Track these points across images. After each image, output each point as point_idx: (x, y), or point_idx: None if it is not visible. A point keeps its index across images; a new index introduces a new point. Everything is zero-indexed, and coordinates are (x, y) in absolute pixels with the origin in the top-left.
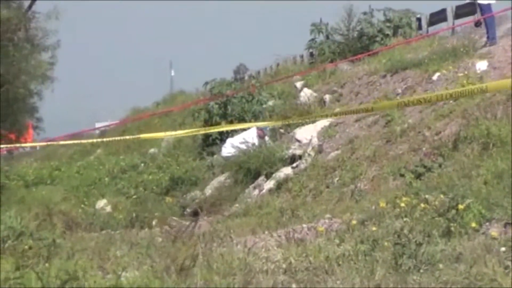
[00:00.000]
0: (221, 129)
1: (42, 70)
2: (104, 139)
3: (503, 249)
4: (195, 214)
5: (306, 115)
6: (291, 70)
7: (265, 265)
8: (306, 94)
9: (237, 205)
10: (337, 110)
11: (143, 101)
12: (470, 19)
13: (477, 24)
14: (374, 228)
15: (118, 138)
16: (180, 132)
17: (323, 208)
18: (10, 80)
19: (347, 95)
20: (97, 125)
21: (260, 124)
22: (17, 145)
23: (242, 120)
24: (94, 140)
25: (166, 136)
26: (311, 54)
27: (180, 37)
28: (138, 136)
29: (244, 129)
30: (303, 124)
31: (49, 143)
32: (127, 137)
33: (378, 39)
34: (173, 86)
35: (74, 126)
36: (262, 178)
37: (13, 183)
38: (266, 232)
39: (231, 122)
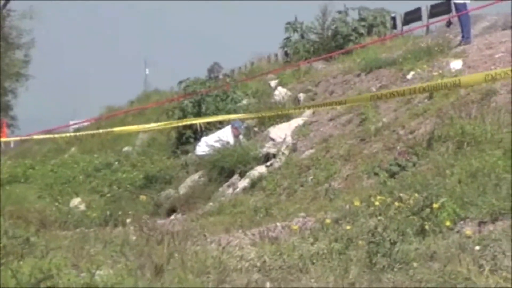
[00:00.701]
0: (194, 122)
1: (16, 68)
2: (78, 134)
3: (477, 247)
4: (170, 212)
5: (281, 113)
6: (266, 69)
7: (239, 264)
8: (280, 93)
9: (211, 203)
10: (311, 103)
11: (117, 100)
12: (444, 17)
13: (448, 24)
14: (348, 227)
15: (92, 132)
16: (153, 125)
17: (297, 207)
18: None
19: (322, 94)
20: (71, 122)
21: (235, 116)
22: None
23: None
24: (68, 134)
25: (139, 129)
26: (286, 53)
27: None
28: (111, 129)
29: (219, 128)
30: (277, 123)
31: (23, 137)
32: (101, 130)
33: (352, 38)
34: (147, 85)
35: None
36: (236, 176)
37: None
38: (240, 231)
39: (205, 116)
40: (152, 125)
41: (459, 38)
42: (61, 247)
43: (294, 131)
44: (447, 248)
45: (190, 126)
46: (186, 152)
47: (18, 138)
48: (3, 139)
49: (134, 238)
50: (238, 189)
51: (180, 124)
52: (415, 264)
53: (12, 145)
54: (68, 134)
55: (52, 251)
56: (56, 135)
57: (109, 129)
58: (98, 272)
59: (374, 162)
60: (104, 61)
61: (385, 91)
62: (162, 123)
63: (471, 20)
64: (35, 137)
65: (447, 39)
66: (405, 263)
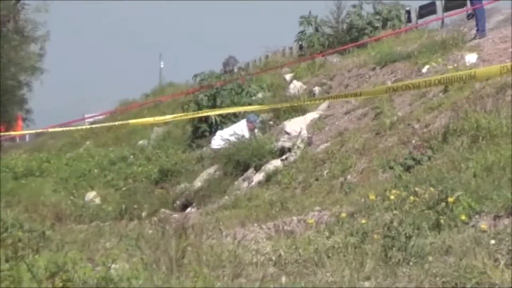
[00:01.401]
0: (210, 114)
1: (31, 61)
2: (93, 126)
3: (492, 242)
4: (185, 206)
5: (296, 107)
6: (280, 62)
7: (255, 257)
8: (295, 86)
9: (226, 197)
10: (326, 95)
11: (132, 93)
12: (459, 10)
13: (469, 16)
14: (363, 221)
15: (107, 124)
16: (168, 117)
17: (313, 201)
18: None
19: (337, 88)
20: (86, 115)
21: (250, 108)
22: (7, 133)
23: (231, 112)
24: (83, 127)
25: (155, 121)
26: (301, 47)
27: (170, 29)
28: (127, 122)
29: (234, 122)
30: (292, 117)
31: (38, 130)
32: (117, 123)
33: (367, 31)
34: (162, 78)
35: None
36: (251, 170)
37: (2, 174)
38: (256, 224)
39: (220, 115)
40: (168, 117)
41: (474, 31)
42: (76, 241)
43: (310, 124)
44: (462, 242)
45: (205, 120)
46: (201, 146)
47: (33, 131)
48: (18, 132)
49: (149, 231)
50: (253, 183)
51: (195, 115)
52: (430, 258)
53: (27, 138)
54: (83, 127)
55: (67, 245)
56: (72, 128)
57: (124, 121)
58: (113, 265)
59: (389, 156)
60: (119, 55)
61: (400, 83)
62: (178, 114)
63: (486, 14)
64: (50, 130)
65: (462, 33)
66: (420, 257)
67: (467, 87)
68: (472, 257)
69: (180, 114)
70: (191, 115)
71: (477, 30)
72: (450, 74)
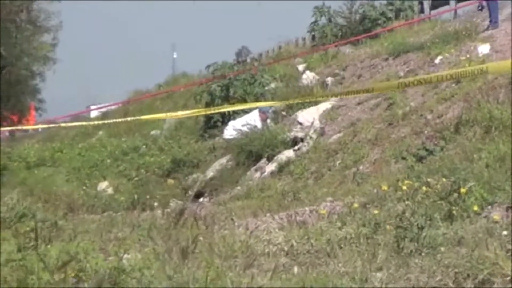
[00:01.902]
0: (222, 110)
1: (44, 51)
2: (106, 121)
3: (505, 232)
4: (197, 196)
5: (309, 101)
6: (293, 53)
7: (267, 248)
8: (308, 76)
9: (238, 187)
10: (338, 91)
11: (145, 83)
12: (472, 1)
13: (481, 8)
14: (376, 211)
15: (119, 120)
16: (181, 113)
17: (325, 191)
18: (13, 61)
19: (349, 78)
20: (92, 107)
21: (262, 104)
22: (19, 127)
23: (244, 102)
24: (96, 122)
25: (167, 117)
26: (313, 37)
27: (183, 19)
28: (138, 117)
29: (246, 112)
30: (305, 107)
31: (50, 125)
32: (128, 118)
33: (380, 22)
34: (175, 69)
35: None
36: (263, 160)
37: (14, 164)
38: (268, 215)
39: (233, 105)
40: (180, 113)
41: (486, 22)
42: (88, 231)
43: (322, 115)
44: (475, 233)
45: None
46: (213, 136)
47: (45, 126)
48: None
49: (161, 222)
50: (265, 173)
51: (207, 112)
52: (442, 249)
53: (40, 129)
54: (96, 122)
55: (79, 235)
56: (84, 123)
57: (136, 117)
58: (125, 255)
59: (401, 147)
60: (132, 44)
61: (412, 78)
62: (190, 111)
63: (499, 5)
64: (63, 124)
65: (474, 24)
66: (432, 248)
67: (480, 78)
68: (484, 248)
69: (192, 111)
70: (203, 111)
71: (490, 21)
72: (461, 69)
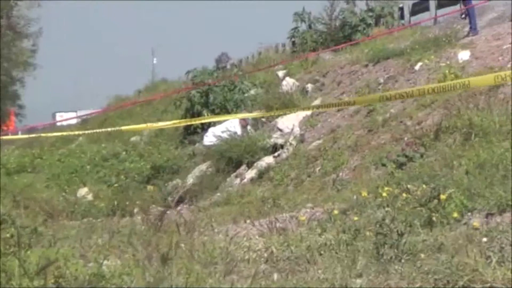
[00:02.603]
0: (203, 121)
1: (24, 57)
2: (86, 132)
3: (484, 239)
4: (177, 202)
5: (289, 104)
6: (273, 59)
7: (247, 254)
8: (288, 83)
9: (218, 194)
10: (319, 103)
11: (125, 89)
12: (452, 9)
13: (464, 16)
14: (356, 218)
15: (99, 130)
16: (162, 124)
17: (305, 198)
18: None
19: (329, 85)
20: (79, 112)
21: (244, 116)
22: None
23: (224, 108)
24: (76, 133)
25: (148, 128)
26: (293, 43)
27: (163, 25)
28: (119, 128)
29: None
30: (285, 114)
31: (31, 135)
32: (109, 129)
33: (360, 28)
34: (155, 74)
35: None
36: (243, 167)
37: None
38: (248, 221)
39: (212, 111)
40: (161, 124)
41: (466, 29)
42: (68, 237)
43: (302, 121)
44: (455, 240)
45: (198, 117)
46: (193, 142)
47: (26, 136)
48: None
49: (141, 228)
50: (245, 180)
51: (188, 123)
52: (422, 256)
53: (19, 134)
54: (76, 133)
55: (59, 241)
56: (64, 133)
57: (117, 128)
58: (105, 262)
59: (381, 153)
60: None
61: (394, 92)
62: (171, 122)
63: (477, 12)
64: (43, 135)
65: (454, 30)
66: (412, 255)
67: None
68: (464, 254)
69: (173, 122)
70: (184, 122)
71: (470, 28)
72: (443, 83)
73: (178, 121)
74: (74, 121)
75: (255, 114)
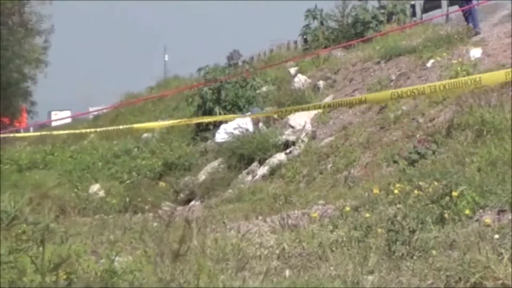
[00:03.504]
0: (214, 119)
1: (36, 54)
2: (98, 129)
3: (496, 236)
4: (189, 199)
5: (300, 101)
6: (285, 56)
7: (259, 251)
8: (300, 80)
9: (230, 190)
10: (330, 101)
11: (136, 86)
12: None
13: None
14: (367, 215)
15: (111, 128)
16: (172, 122)
17: (317, 194)
18: (4, 64)
19: (341, 82)
20: (91, 109)
21: (253, 116)
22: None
23: (235, 105)
24: (88, 130)
25: (159, 126)
26: (305, 40)
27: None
28: (131, 126)
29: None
30: (296, 110)
31: (43, 133)
32: (120, 126)
33: (372, 25)
34: (167, 71)
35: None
36: (255, 164)
37: (6, 167)
38: (260, 218)
39: (224, 108)
40: (171, 122)
41: (480, 26)
42: (80, 234)
43: (314, 118)
44: (466, 237)
45: (209, 113)
46: (205, 139)
47: (37, 134)
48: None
49: (153, 224)
50: (257, 177)
51: (200, 120)
52: (434, 252)
53: (31, 130)
54: (88, 130)
55: (71, 237)
56: (77, 131)
57: (129, 126)
58: (117, 258)
59: (393, 150)
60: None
61: (405, 89)
62: (183, 120)
63: (489, 9)
64: (55, 132)
65: (466, 27)
66: (424, 251)
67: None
68: (476, 251)
69: (184, 120)
70: (195, 120)
71: (474, 26)
72: (455, 79)
73: (188, 119)
74: (68, 120)
75: (264, 114)
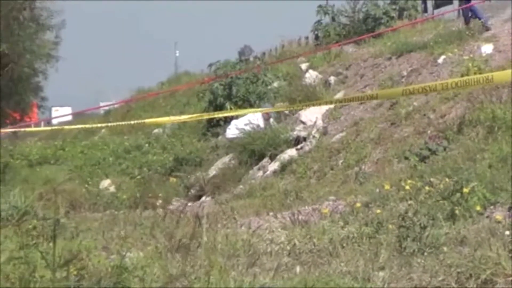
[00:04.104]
0: (225, 115)
1: (46, 49)
2: (109, 124)
3: (507, 232)
4: (200, 195)
5: (312, 96)
6: (296, 52)
7: (269, 247)
8: (311, 75)
9: (241, 186)
10: (341, 97)
11: (148, 82)
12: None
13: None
14: (378, 211)
15: (122, 123)
16: (184, 117)
17: (327, 190)
18: (15, 59)
19: (352, 77)
20: (101, 104)
21: (264, 110)
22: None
23: (246, 101)
24: (99, 125)
25: (170, 121)
26: (317, 36)
27: (186, 17)
28: (142, 121)
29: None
30: (308, 106)
31: (53, 127)
32: (132, 122)
33: (383, 21)
34: (177, 67)
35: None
36: (266, 159)
37: (17, 162)
38: (270, 214)
39: (235, 103)
40: (183, 117)
41: (489, 22)
42: (91, 229)
43: (325, 114)
44: (477, 233)
45: (220, 109)
46: (216, 135)
47: (48, 128)
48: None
49: (164, 220)
50: (268, 172)
51: (211, 116)
52: (445, 249)
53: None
54: (99, 125)
55: (82, 233)
56: (87, 126)
57: (140, 121)
58: (128, 254)
59: (404, 146)
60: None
61: (417, 85)
62: (194, 115)
63: (499, 6)
64: (66, 127)
65: (478, 23)
66: (435, 248)
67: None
68: (487, 248)
69: (196, 115)
70: (206, 115)
71: (483, 23)
72: (467, 77)
73: (199, 114)
74: (70, 117)
75: (275, 109)
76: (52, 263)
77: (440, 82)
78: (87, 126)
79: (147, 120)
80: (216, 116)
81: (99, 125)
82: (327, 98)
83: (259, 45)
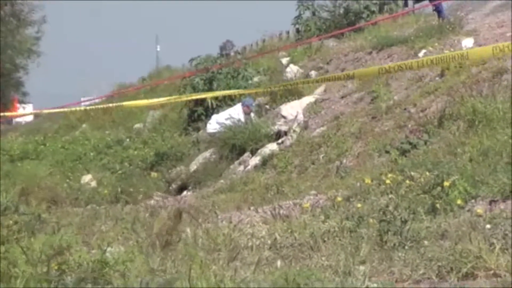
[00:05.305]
0: (205, 96)
1: (28, 44)
2: (88, 107)
3: (488, 226)
4: (181, 189)
5: (293, 91)
6: (277, 46)
7: (250, 241)
8: (292, 70)
9: (222, 181)
10: (320, 77)
11: (129, 77)
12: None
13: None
14: (359, 205)
15: (101, 106)
16: (163, 99)
17: (308, 185)
18: None
19: (333, 71)
20: (83, 99)
21: (247, 91)
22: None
23: (227, 96)
24: (78, 108)
25: (149, 103)
26: (297, 31)
27: (167, 12)
28: (121, 103)
29: (230, 105)
30: (288, 100)
31: (35, 112)
32: (111, 104)
33: (364, 15)
34: (159, 62)
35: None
36: (247, 154)
37: None
38: (251, 208)
39: (216, 98)
40: (162, 99)
41: (470, 16)
42: (72, 224)
43: (306, 108)
44: (458, 227)
45: (201, 103)
46: (197, 130)
47: (29, 113)
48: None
49: (145, 215)
50: (249, 167)
51: (190, 98)
52: (426, 242)
53: (23, 121)
54: (78, 108)
55: (63, 228)
56: (66, 109)
57: (119, 103)
58: (109, 249)
59: (385, 140)
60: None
61: (393, 64)
62: (172, 97)
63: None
64: (45, 111)
65: (458, 17)
66: (416, 241)
67: (463, 71)
68: (468, 241)
69: (174, 97)
70: (185, 97)
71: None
72: (442, 54)
73: (178, 96)
74: (30, 117)
75: (255, 90)
76: (32, 258)
77: (416, 60)
78: (66, 109)
79: (125, 103)
80: (195, 97)
81: (77, 108)
82: (308, 92)
83: (241, 39)
